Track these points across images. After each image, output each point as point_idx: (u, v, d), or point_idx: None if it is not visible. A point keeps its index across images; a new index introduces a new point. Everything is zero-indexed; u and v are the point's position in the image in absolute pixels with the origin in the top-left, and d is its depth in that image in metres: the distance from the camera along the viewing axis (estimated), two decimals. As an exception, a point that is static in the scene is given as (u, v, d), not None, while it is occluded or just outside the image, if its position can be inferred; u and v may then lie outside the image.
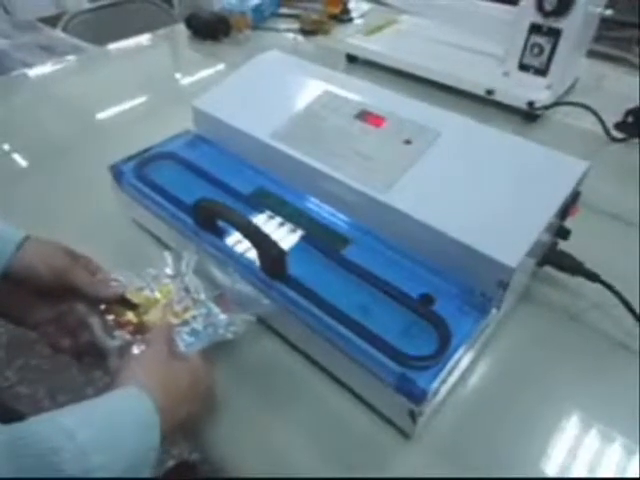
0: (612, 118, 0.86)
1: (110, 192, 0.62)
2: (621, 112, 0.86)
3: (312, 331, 0.44)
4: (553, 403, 0.46)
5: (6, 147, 0.83)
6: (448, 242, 0.45)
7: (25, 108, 0.95)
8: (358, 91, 0.61)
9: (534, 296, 0.55)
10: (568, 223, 0.52)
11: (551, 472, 0.41)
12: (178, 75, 1.07)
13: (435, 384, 0.39)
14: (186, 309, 0.46)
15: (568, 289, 0.55)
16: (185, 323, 0.45)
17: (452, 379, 0.44)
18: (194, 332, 0.44)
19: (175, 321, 0.45)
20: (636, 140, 0.82)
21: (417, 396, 0.38)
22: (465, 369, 0.47)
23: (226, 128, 0.61)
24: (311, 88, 0.63)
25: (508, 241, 0.43)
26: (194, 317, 0.45)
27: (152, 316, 0.45)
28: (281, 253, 0.45)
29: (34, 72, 1.07)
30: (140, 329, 0.44)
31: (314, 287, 0.46)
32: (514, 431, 0.44)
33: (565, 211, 0.49)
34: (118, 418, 0.34)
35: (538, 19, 0.82)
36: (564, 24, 0.80)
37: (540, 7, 0.80)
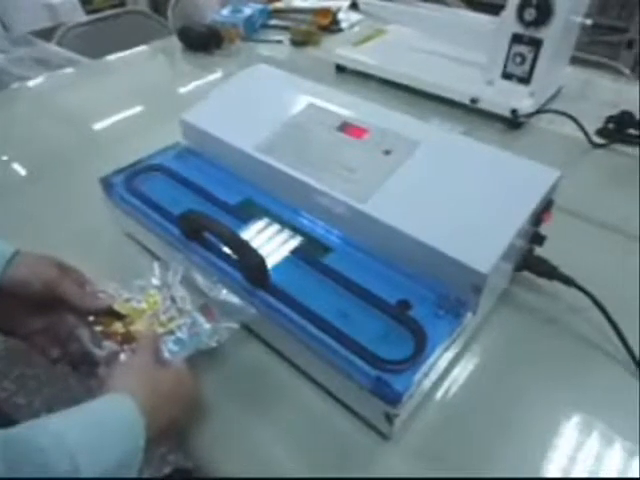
0: (596, 124, 0.88)
1: (101, 203, 0.64)
2: (605, 118, 0.88)
3: (293, 337, 0.46)
4: (530, 405, 0.48)
5: (4, 158, 0.85)
6: (424, 249, 0.46)
7: (22, 119, 0.97)
8: (341, 104, 0.63)
9: (513, 300, 0.57)
10: (546, 229, 0.53)
11: (529, 473, 0.43)
12: (171, 87, 1.09)
13: (410, 387, 0.40)
14: (172, 319, 0.47)
15: (546, 293, 0.57)
16: (170, 332, 0.46)
17: (429, 381, 0.46)
18: (179, 341, 0.46)
19: (161, 330, 0.46)
20: (617, 145, 0.84)
21: (392, 398, 0.40)
22: (444, 371, 0.49)
23: (213, 141, 0.63)
24: (296, 101, 0.64)
25: (481, 248, 0.45)
26: (179, 326, 0.47)
27: (139, 326, 0.46)
28: (261, 261, 0.47)
29: (31, 84, 1.09)
30: (127, 339, 0.45)
31: (296, 295, 0.47)
32: (492, 432, 0.45)
33: (538, 218, 0.50)
34: (104, 420, 0.36)
35: (519, 29, 0.84)
36: (544, 34, 0.82)
37: (521, 17, 0.82)
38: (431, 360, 0.42)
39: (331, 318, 0.45)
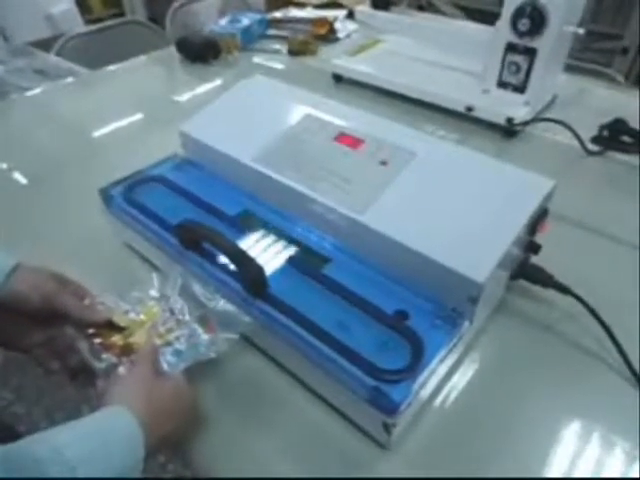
0: (591, 132, 0.88)
1: (101, 213, 0.64)
2: (599, 126, 0.88)
3: (292, 347, 0.46)
4: (529, 412, 0.48)
5: (4, 166, 0.86)
6: (421, 259, 0.47)
7: (22, 129, 0.98)
8: (338, 114, 0.63)
9: (509, 308, 0.57)
10: (541, 237, 0.54)
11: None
12: (169, 97, 1.10)
13: (408, 397, 0.41)
14: (170, 330, 0.48)
15: (542, 301, 0.57)
16: (169, 344, 0.47)
17: (427, 391, 0.46)
18: (177, 352, 0.46)
19: (159, 342, 0.46)
20: (612, 153, 0.85)
21: (390, 408, 0.40)
22: (442, 380, 0.49)
23: (212, 152, 0.64)
24: (293, 112, 0.65)
25: (477, 258, 0.45)
26: (178, 338, 0.47)
27: (137, 338, 0.46)
28: (259, 270, 0.48)
29: (31, 95, 1.10)
30: (126, 351, 0.46)
31: (294, 304, 0.48)
32: (491, 440, 0.46)
33: (533, 227, 0.51)
34: (103, 433, 0.36)
35: (514, 39, 0.85)
36: (538, 43, 0.83)
37: (515, 28, 0.83)
38: (429, 369, 0.43)
39: (329, 328, 0.46)
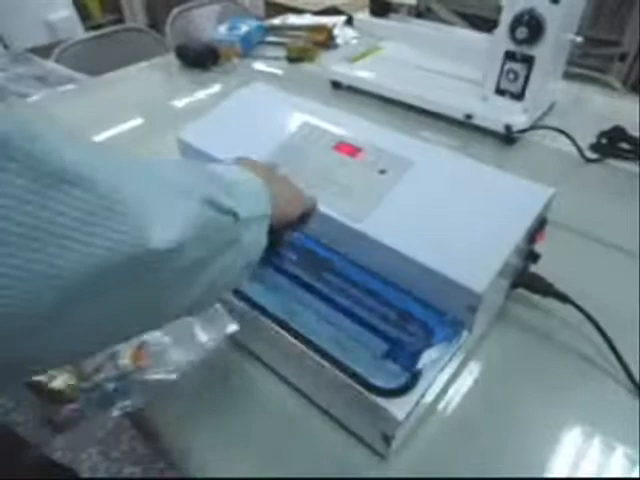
0: (589, 139, 0.89)
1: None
2: (597, 133, 0.89)
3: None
4: (528, 422, 0.48)
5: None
6: (419, 268, 0.47)
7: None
8: (337, 122, 0.63)
9: (509, 316, 0.57)
10: (541, 245, 0.54)
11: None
12: (169, 104, 1.10)
13: (407, 408, 0.40)
14: (98, 369, 0.41)
15: (542, 309, 0.57)
16: (96, 387, 0.40)
17: (427, 400, 0.46)
18: (105, 397, 0.40)
19: (86, 386, 0.40)
20: (610, 160, 0.85)
21: (389, 420, 0.40)
22: (442, 389, 0.49)
23: (210, 160, 0.64)
24: (292, 120, 0.65)
25: (476, 267, 0.45)
26: (107, 379, 0.41)
27: (60, 382, 0.40)
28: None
29: (31, 100, 1.10)
30: (54, 398, 0.40)
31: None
32: (491, 449, 0.46)
33: (533, 236, 0.51)
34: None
35: (512, 47, 0.86)
36: (536, 51, 0.84)
37: (513, 36, 0.84)
38: (428, 380, 0.42)
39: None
